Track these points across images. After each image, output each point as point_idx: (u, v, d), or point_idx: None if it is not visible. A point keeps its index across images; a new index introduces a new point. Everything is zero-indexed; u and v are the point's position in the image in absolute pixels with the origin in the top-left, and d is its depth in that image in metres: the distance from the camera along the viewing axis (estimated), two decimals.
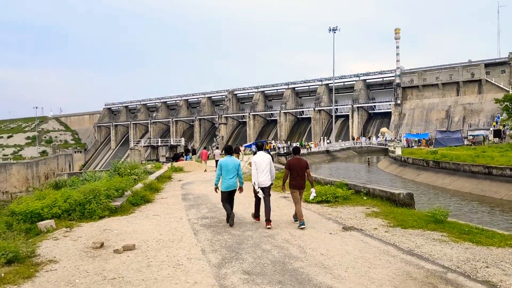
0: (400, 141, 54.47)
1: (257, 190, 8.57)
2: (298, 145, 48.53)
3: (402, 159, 35.51)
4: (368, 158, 46.16)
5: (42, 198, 10.20)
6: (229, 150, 9.30)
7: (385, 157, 47.92)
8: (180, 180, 19.26)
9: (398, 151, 37.83)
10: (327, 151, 57.95)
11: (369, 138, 62.47)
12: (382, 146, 58.40)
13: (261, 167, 8.65)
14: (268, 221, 8.47)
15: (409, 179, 29.84)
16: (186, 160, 33.44)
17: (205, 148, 35.33)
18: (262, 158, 8.78)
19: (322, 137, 70.30)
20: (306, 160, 9.17)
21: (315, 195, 9.06)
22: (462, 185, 24.30)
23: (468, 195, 22.24)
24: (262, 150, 9.21)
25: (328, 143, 63.95)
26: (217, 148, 35.75)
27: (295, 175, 8.61)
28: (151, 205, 11.87)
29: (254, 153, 32.90)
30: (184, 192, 14.65)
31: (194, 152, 37.65)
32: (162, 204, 11.97)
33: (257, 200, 8.91)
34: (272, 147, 47.47)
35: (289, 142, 64.10)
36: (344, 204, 11.12)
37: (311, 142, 60.77)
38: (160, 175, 19.47)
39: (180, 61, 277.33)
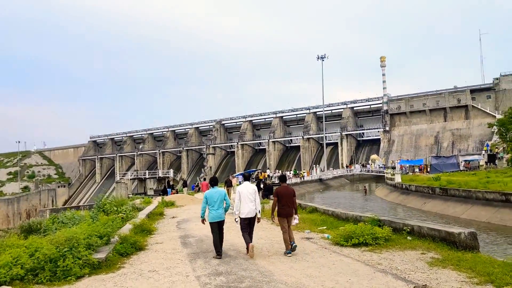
0: (394, 167, 53.09)
1: (236, 220, 8.76)
2: (285, 174, 45.81)
3: (404, 186, 33.86)
4: (365, 186, 45.39)
5: (2, 251, 7.69)
6: (214, 182, 9.28)
7: (381, 185, 46.95)
8: (174, 217, 17.38)
9: (398, 178, 36.27)
10: (320, 180, 57.36)
11: (364, 166, 61.19)
12: (376, 174, 57.68)
13: (245, 197, 8.73)
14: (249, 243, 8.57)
15: (415, 207, 28.54)
16: (168, 194, 32.45)
17: (204, 179, 33.40)
18: (247, 189, 8.86)
19: (313, 165, 69.03)
20: (293, 188, 9.19)
21: (297, 221, 9.10)
22: (477, 213, 22.43)
23: (487, 225, 20.43)
24: (248, 180, 9.36)
25: (321, 171, 62.48)
26: (205, 179, 33.61)
27: (283, 203, 8.71)
28: (144, 254, 9.42)
29: (239, 183, 31.11)
30: (182, 234, 12.47)
31: (185, 184, 35.60)
32: (158, 253, 9.55)
33: (244, 228, 8.84)
34: (267, 176, 45.19)
35: (279, 171, 62.26)
36: (388, 248, 8.87)
37: (303, 171, 58.84)
38: (151, 212, 17.66)
39: (167, 92, 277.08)
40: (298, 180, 52.40)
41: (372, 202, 34.65)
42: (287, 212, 8.75)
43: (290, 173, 55.02)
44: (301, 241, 10.24)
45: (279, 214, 8.74)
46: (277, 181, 42.86)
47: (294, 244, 8.65)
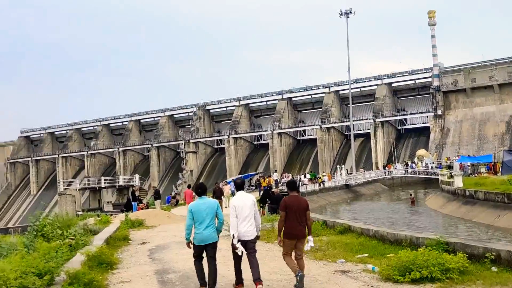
0: (451, 167, 53.43)
1: (236, 245, 8.92)
2: (295, 179, 45.94)
3: (467, 193, 33.90)
4: (411, 194, 45.68)
5: None
6: (202, 190, 9.55)
7: (433, 192, 47.75)
8: (144, 243, 17.43)
9: (458, 182, 36.22)
10: (347, 186, 58.36)
11: (407, 165, 61.80)
12: (425, 176, 58.28)
13: (243, 213, 8.99)
14: (258, 280, 8.78)
15: (485, 223, 29.26)
16: (134, 209, 32.71)
17: (189, 186, 33.76)
18: (244, 201, 9.10)
19: (336, 166, 68.99)
20: (305, 199, 9.49)
21: (312, 245, 9.30)
22: None
23: None
24: (243, 189, 9.64)
25: (348, 173, 63.22)
26: (189, 186, 33.65)
27: (293, 220, 8.91)
28: None
29: (232, 193, 30.92)
30: (158, 268, 12.27)
31: (157, 195, 35.61)
32: None
33: (237, 259, 9.16)
34: (274, 183, 45.27)
35: (289, 175, 62.03)
36: (466, 285, 8.53)
37: (323, 174, 58.85)
38: (111, 236, 17.77)
39: (128, 70, 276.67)
40: (316, 187, 52.69)
41: (423, 216, 34.84)
42: (298, 232, 8.99)
43: (304, 177, 54.74)
44: (335, 277, 9.94)
45: (287, 235, 8.97)
46: (286, 189, 42.83)
47: (300, 273, 8.73)
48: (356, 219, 32.50)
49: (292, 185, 9.55)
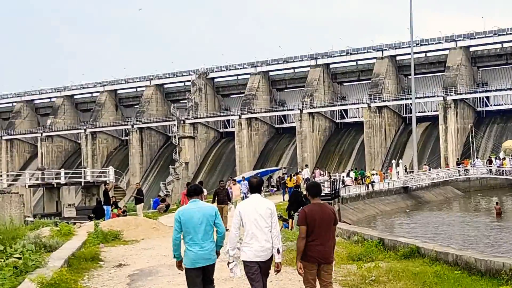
0: None
1: (231, 265, 9.41)
2: (352, 174, 46.12)
3: None
4: (497, 203, 45.73)
5: None
6: (194, 192, 9.91)
7: None
8: (121, 265, 17.57)
9: None
10: (405, 189, 58.64)
11: (490, 162, 60.83)
12: None
13: (252, 223, 9.23)
14: None
15: None
16: (107, 216, 33.03)
17: (188, 185, 33.45)
18: (256, 208, 9.32)
19: (391, 161, 68.56)
20: (333, 208, 9.83)
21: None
22: None
23: None
24: (259, 191, 9.77)
25: (406, 171, 63.20)
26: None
27: (316, 237, 9.18)
28: None
29: (243, 198, 30.77)
30: None
31: (139, 196, 36.22)
32: None
33: None
34: (305, 183, 44.97)
35: (326, 171, 61.72)
36: None
37: (373, 172, 59.24)
38: (74, 255, 17.80)
39: (102, 22, 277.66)
40: (362, 189, 52.79)
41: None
42: (323, 254, 9.23)
43: (346, 175, 54.44)
44: None
45: (307, 258, 9.19)
46: (327, 191, 43.37)
47: None
48: (420, 236, 32.68)
49: (314, 189, 9.66)
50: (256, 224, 9.17)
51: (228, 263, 9.40)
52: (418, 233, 35.14)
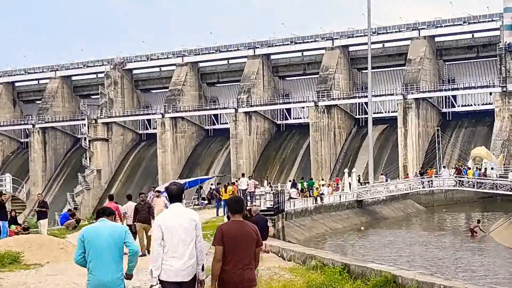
0: None
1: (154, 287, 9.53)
2: (298, 186, 45.83)
3: None
4: (479, 221, 46.67)
5: None
6: (104, 213, 10.03)
7: (503, 216, 48.77)
8: None
9: None
10: (359, 202, 59.08)
11: (458, 171, 60.88)
12: (491, 190, 58.59)
13: (174, 237, 9.32)
14: None
15: None
16: (2, 233, 31.33)
17: (167, 190, 32.16)
18: (178, 219, 9.43)
19: (342, 170, 68.83)
20: (255, 227, 9.77)
21: None
22: None
23: None
24: (180, 200, 9.94)
25: (359, 182, 63.74)
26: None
27: (235, 260, 9.22)
28: None
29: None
30: None
31: (43, 210, 34.96)
32: None
33: None
34: (242, 194, 45.64)
35: (257, 183, 61.46)
36: None
37: (323, 182, 59.82)
38: None
39: None
40: (310, 203, 52.78)
41: (490, 257, 35.49)
42: (242, 280, 9.23)
43: (292, 187, 54.28)
44: None
45: (223, 284, 9.24)
46: (269, 205, 44.19)
47: None
48: (380, 258, 33.46)
49: (235, 205, 9.63)
50: (179, 238, 9.26)
51: (151, 286, 9.44)
52: (378, 254, 35.92)
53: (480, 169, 61.79)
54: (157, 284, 9.29)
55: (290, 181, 61.44)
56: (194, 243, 9.39)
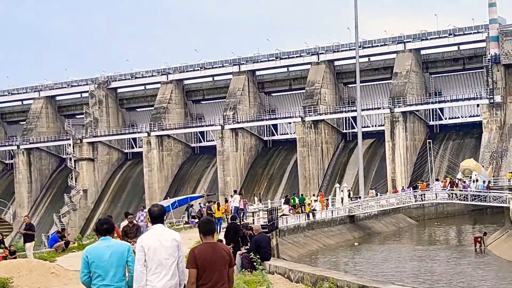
0: None
1: None
2: (291, 202, 45.50)
3: None
4: (484, 234, 46.42)
5: None
6: (106, 227, 10.08)
7: (498, 229, 49.43)
8: None
9: None
10: (351, 218, 59.41)
11: (452, 184, 60.90)
12: (481, 202, 58.42)
13: (155, 258, 9.39)
14: None
15: None
16: None
17: (156, 207, 31.62)
18: (160, 240, 9.53)
19: (336, 185, 68.79)
20: (228, 248, 10.10)
21: None
22: None
23: None
24: (162, 221, 10.00)
25: (350, 197, 64.19)
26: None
27: (208, 282, 9.36)
28: None
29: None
30: None
31: (30, 232, 34.56)
32: None
33: None
34: (235, 213, 45.51)
35: (244, 200, 61.38)
36: None
37: (313, 198, 60.49)
38: None
39: None
40: (302, 220, 52.70)
41: (493, 271, 35.58)
42: None
43: (284, 203, 54.90)
44: None
45: None
46: (262, 222, 43.41)
47: None
48: (382, 273, 34.13)
49: (207, 226, 9.88)
50: (161, 258, 9.37)
51: None
52: (376, 270, 35.87)
53: (458, 181, 62.24)
54: None
55: (283, 198, 61.48)
56: (176, 263, 9.50)
